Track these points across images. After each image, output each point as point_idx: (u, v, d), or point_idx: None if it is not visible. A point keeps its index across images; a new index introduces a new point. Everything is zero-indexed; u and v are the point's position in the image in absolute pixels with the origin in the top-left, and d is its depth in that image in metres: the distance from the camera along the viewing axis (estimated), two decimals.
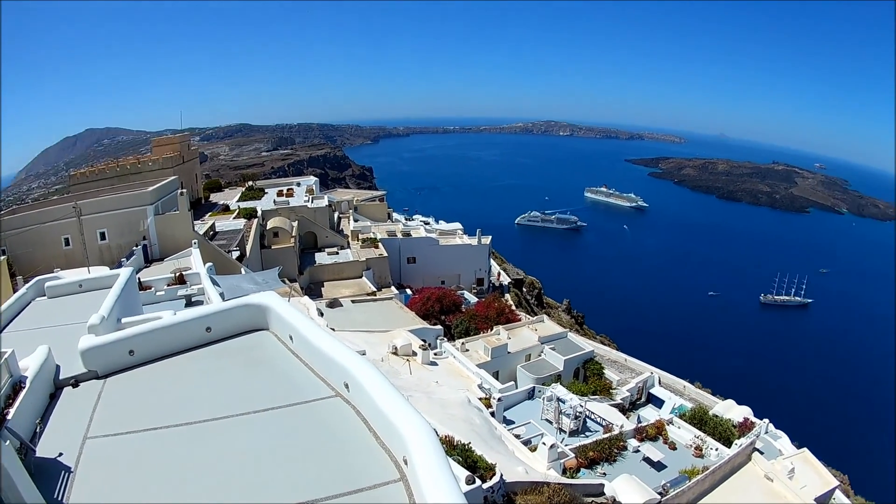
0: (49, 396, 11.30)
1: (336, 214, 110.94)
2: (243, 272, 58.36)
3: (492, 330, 65.61)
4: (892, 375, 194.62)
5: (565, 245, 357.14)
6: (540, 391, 49.85)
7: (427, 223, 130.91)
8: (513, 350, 60.47)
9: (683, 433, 43.64)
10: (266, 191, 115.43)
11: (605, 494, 31.32)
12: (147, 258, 60.29)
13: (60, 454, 8.98)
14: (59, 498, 8.26)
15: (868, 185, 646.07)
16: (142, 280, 43.38)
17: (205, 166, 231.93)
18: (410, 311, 71.49)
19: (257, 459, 8.89)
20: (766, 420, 48.10)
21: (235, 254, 67.66)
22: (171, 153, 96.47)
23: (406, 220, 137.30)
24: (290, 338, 12.45)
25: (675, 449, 42.09)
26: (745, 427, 46.27)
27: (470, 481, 20.28)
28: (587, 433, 44.39)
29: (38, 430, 9.95)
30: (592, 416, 46.42)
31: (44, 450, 9.13)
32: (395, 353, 51.88)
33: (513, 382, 54.72)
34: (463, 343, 60.21)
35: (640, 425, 44.64)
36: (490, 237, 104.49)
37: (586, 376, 59.46)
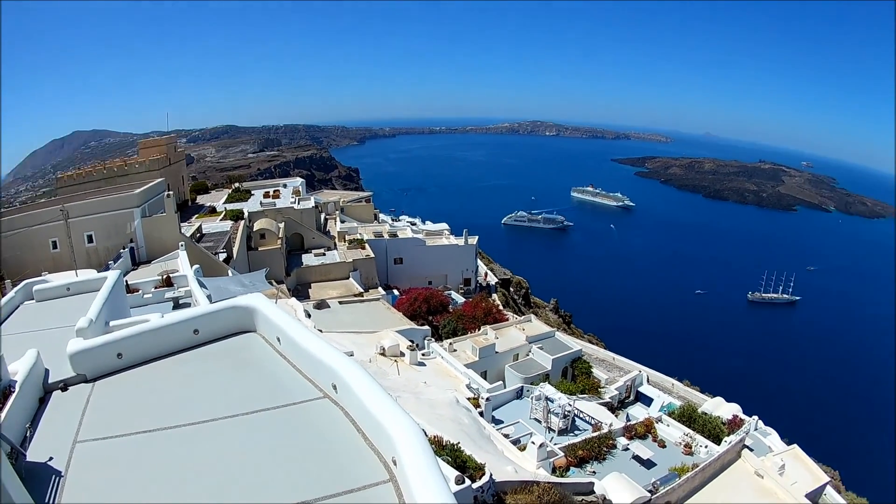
0: (38, 401, 11.29)
1: (323, 216, 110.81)
2: (230, 274, 58.18)
3: (479, 330, 65.61)
4: (883, 372, 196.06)
5: (552, 245, 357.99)
6: (528, 390, 49.90)
7: (414, 224, 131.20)
8: (501, 350, 60.51)
9: (672, 431, 43.75)
10: (252, 192, 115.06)
11: (594, 493, 31.38)
12: (134, 261, 60.13)
13: (51, 458, 8.97)
14: (51, 503, 8.27)
15: (855, 182, 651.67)
16: (129, 283, 43.19)
17: (191, 168, 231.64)
18: (398, 312, 71.47)
19: (247, 461, 8.90)
20: (756, 417, 48.25)
21: (222, 256, 67.48)
22: (158, 155, 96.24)
23: (393, 220, 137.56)
24: (278, 339, 12.43)
25: (664, 447, 42.20)
26: (735, 424, 46.36)
27: (459, 481, 20.28)
28: (576, 432, 44.42)
29: (28, 434, 9.94)
30: (581, 415, 46.47)
31: (34, 454, 9.11)
32: (383, 354, 51.84)
33: (501, 382, 54.72)
34: (451, 343, 60.18)
35: (629, 423, 44.74)
36: (477, 237, 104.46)
37: (574, 375, 59.53)
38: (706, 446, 41.30)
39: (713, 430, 44.63)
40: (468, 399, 44.12)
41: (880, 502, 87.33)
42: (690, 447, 41.62)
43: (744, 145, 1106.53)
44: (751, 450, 40.07)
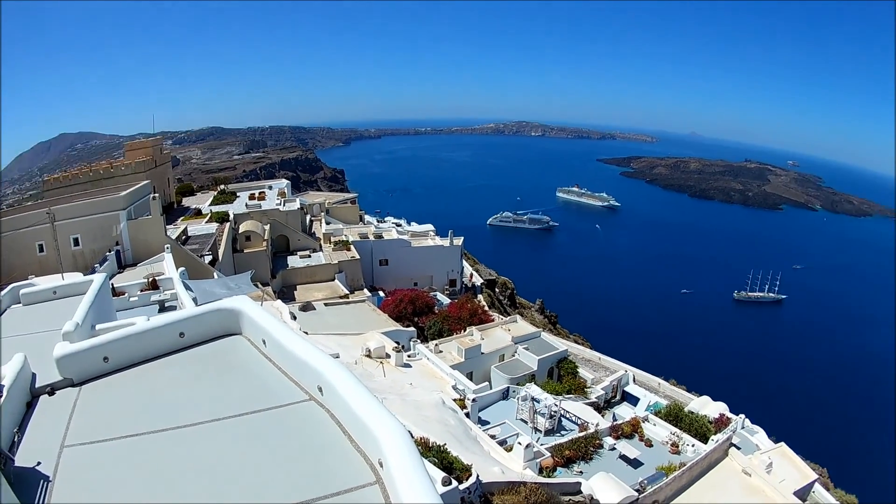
0: (26, 405, 11.31)
1: (308, 217, 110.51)
2: (216, 276, 58.07)
3: (465, 331, 65.78)
4: (872, 369, 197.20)
5: (537, 245, 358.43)
6: (514, 391, 50.03)
7: (399, 225, 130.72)
8: (486, 351, 60.69)
9: (659, 430, 43.97)
10: (238, 194, 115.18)
11: (582, 493, 31.49)
12: (120, 264, 59.97)
13: (39, 463, 8.98)
14: None
15: (842, 181, 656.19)
16: (115, 286, 43.17)
17: (177, 170, 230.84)
18: (383, 314, 71.46)
19: (233, 464, 8.94)
20: (742, 416, 48.49)
21: (208, 258, 67.37)
22: (144, 157, 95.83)
23: (378, 222, 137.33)
24: (263, 342, 12.43)
25: (651, 446, 42.42)
26: (721, 423, 46.63)
27: (446, 482, 20.30)
28: (562, 432, 44.58)
29: (16, 439, 9.96)
30: (567, 415, 46.63)
31: (22, 459, 9.11)
32: (369, 356, 51.80)
33: (487, 383, 54.86)
34: (436, 344, 60.33)
35: (615, 423, 44.93)
36: (462, 238, 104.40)
37: (560, 375, 59.74)
38: (693, 445, 41.53)
39: (700, 429, 44.86)
40: (454, 400, 44.14)
41: (869, 498, 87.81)
42: (677, 446, 41.83)
43: (729, 145, 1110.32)
44: (738, 448, 40.23)
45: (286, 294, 78.86)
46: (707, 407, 50.06)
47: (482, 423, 44.59)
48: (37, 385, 11.85)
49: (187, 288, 43.56)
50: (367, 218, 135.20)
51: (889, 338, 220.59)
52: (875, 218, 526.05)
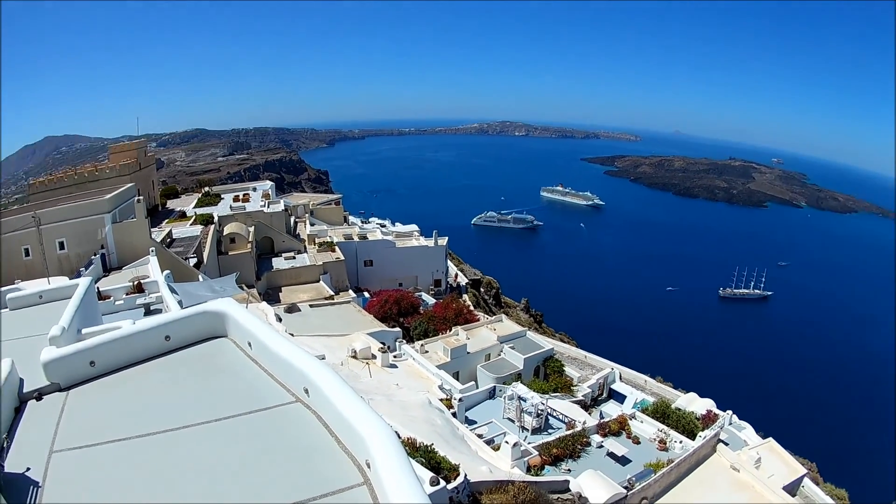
0: (14, 410, 11.31)
1: (292, 219, 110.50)
2: (201, 279, 58.04)
3: (450, 331, 65.80)
4: (858, 364, 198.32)
5: (522, 245, 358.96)
6: (501, 390, 50.10)
7: (383, 225, 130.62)
8: (472, 350, 60.75)
9: (647, 427, 44.18)
10: (222, 196, 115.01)
11: (570, 491, 31.54)
12: (105, 267, 59.77)
13: (28, 469, 8.99)
14: None
15: (827, 178, 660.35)
16: (101, 289, 43.10)
17: (161, 172, 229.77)
18: (368, 314, 71.29)
19: (221, 467, 8.96)
20: (730, 412, 48.81)
21: (193, 260, 67.25)
22: (128, 160, 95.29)
23: (362, 222, 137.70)
24: (249, 344, 12.44)
25: (638, 443, 42.63)
26: (709, 419, 46.87)
27: (434, 482, 20.31)
28: (550, 430, 44.73)
29: (4, 445, 9.97)
30: (554, 414, 46.76)
31: (11, 465, 9.11)
32: (355, 357, 51.68)
33: (473, 382, 54.95)
34: (422, 345, 60.31)
35: (602, 421, 45.12)
36: (447, 238, 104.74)
37: (547, 374, 59.88)
38: (681, 442, 41.75)
39: (687, 426, 45.08)
40: (441, 400, 44.14)
41: (864, 494, 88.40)
42: (665, 443, 42.04)
43: (714, 143, 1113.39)
44: (726, 444, 40.37)
45: (271, 296, 78.74)
46: (694, 403, 50.32)
47: (469, 422, 44.62)
48: (24, 390, 11.83)
49: (172, 291, 43.56)
50: (351, 219, 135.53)
51: (876, 333, 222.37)
52: (861, 214, 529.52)
